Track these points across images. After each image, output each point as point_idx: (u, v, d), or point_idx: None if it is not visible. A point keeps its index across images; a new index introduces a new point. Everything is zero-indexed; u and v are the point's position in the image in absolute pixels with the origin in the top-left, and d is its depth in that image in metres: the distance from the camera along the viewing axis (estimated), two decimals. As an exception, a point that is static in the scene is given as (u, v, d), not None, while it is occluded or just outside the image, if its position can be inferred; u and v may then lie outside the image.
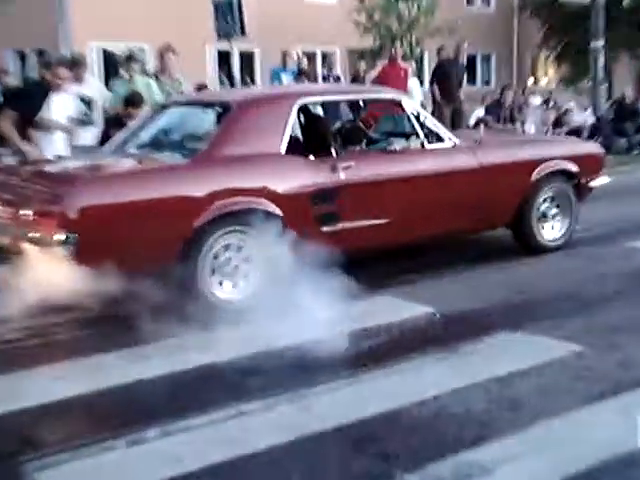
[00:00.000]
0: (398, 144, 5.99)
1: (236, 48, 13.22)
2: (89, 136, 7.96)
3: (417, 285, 5.57)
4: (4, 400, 3.63)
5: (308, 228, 5.19)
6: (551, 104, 15.70)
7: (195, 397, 3.65)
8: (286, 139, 5.35)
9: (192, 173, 5.08)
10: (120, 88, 8.32)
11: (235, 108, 5.47)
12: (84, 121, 7.91)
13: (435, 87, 12.26)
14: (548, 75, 27.91)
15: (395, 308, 5.02)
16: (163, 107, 6.55)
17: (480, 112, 12.74)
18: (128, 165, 5.45)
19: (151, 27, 18.81)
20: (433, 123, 6.14)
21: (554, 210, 6.44)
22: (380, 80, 10.40)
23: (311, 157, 5.46)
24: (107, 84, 9.15)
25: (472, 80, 25.17)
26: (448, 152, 6.04)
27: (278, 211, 5.08)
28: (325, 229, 5.33)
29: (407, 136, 6.14)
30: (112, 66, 17.30)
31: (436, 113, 12.09)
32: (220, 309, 4.78)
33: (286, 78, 11.54)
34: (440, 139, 6.04)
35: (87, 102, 8.04)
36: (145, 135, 6.02)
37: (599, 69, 14.52)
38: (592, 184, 6.68)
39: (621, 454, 2.95)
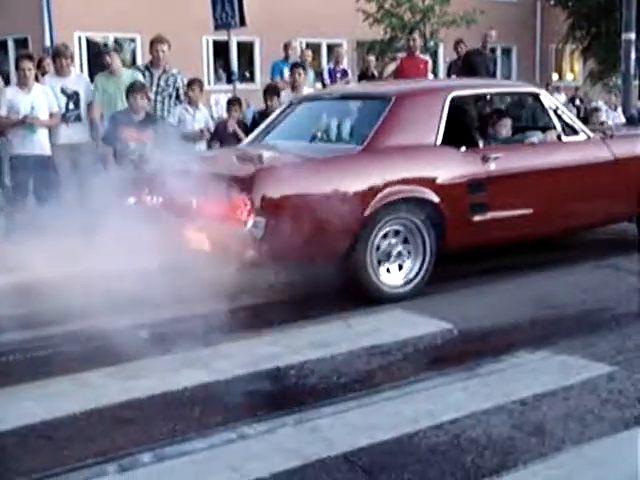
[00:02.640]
0: (536, 137, 6.63)
1: (234, 39, 13.28)
2: (75, 133, 8.00)
3: (431, 298, 5.59)
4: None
5: (462, 217, 5.80)
6: (577, 102, 15.71)
7: (193, 419, 3.66)
8: (441, 130, 5.91)
9: (363, 163, 5.69)
10: (105, 83, 8.37)
11: (394, 100, 5.98)
12: (67, 116, 7.96)
13: None
14: (574, 70, 27.97)
15: (408, 323, 5.05)
16: (309, 99, 7.41)
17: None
18: (306, 154, 6.01)
19: (142, 16, 18.89)
20: (568, 116, 6.73)
21: None
22: (399, 74, 10.39)
23: (462, 148, 5.98)
24: (92, 78, 9.17)
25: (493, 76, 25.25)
26: (584, 145, 6.65)
27: (437, 199, 5.64)
28: (476, 218, 5.91)
29: (543, 129, 6.74)
30: (98, 58, 17.46)
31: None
32: (384, 294, 5.50)
33: (287, 71, 11.56)
34: (575, 132, 6.63)
35: (71, 96, 8.07)
36: (300, 127, 6.71)
37: (631, 64, 14.46)
38: None
39: (657, 484, 2.97)
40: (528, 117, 7.58)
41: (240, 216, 5.10)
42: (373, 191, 5.43)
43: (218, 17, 12.25)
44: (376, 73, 12.02)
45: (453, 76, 12.26)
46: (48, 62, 8.82)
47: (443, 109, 5.98)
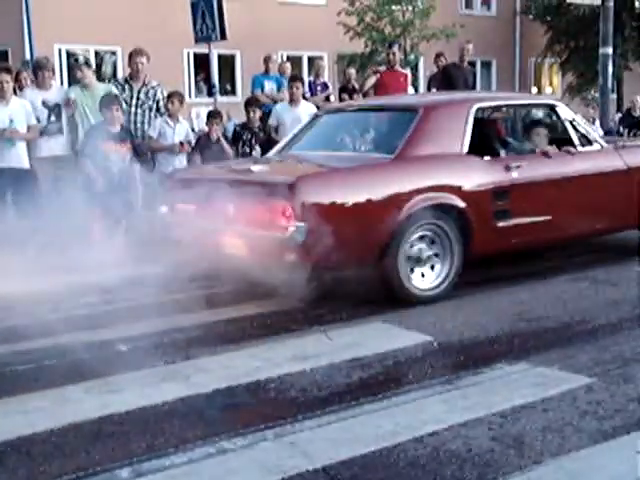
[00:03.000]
0: (553, 147, 6.88)
1: (215, 52, 13.30)
2: (57, 145, 7.98)
3: (412, 311, 5.60)
4: None
5: (487, 223, 6.03)
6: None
7: (171, 433, 3.64)
8: (467, 140, 6.18)
9: (396, 170, 5.93)
10: (79, 95, 8.33)
11: (422, 112, 6.25)
12: (48, 129, 7.94)
13: None
14: (553, 84, 28.21)
15: (389, 336, 5.04)
16: (334, 112, 7.71)
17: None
18: (343, 162, 6.26)
19: (122, 29, 18.91)
20: (583, 127, 7.04)
21: None
22: (380, 88, 10.42)
23: (486, 157, 6.25)
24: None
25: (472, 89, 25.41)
26: (598, 154, 6.93)
27: (463, 205, 5.88)
28: (500, 224, 6.14)
29: (559, 139, 6.97)
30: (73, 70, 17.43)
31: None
32: (415, 297, 5.75)
33: (268, 85, 11.59)
34: (589, 142, 6.91)
35: (53, 109, 8.06)
36: (326, 138, 7.04)
37: (608, 77, 14.62)
38: None
39: (634, 496, 2.98)
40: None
41: (281, 222, 5.33)
42: (405, 198, 5.67)
43: (199, 30, 12.26)
44: (357, 86, 12.04)
45: (433, 89, 12.32)
46: (25, 75, 8.79)
47: (468, 120, 6.25)
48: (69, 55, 19.22)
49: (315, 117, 7.49)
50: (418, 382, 4.20)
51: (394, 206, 5.61)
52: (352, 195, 5.59)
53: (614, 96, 16.72)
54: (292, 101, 9.11)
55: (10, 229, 7.91)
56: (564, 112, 6.98)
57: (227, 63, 21.03)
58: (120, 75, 16.78)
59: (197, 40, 12.41)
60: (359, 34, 19.93)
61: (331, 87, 12.64)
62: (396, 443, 3.45)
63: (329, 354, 4.69)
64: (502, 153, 6.53)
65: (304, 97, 10.01)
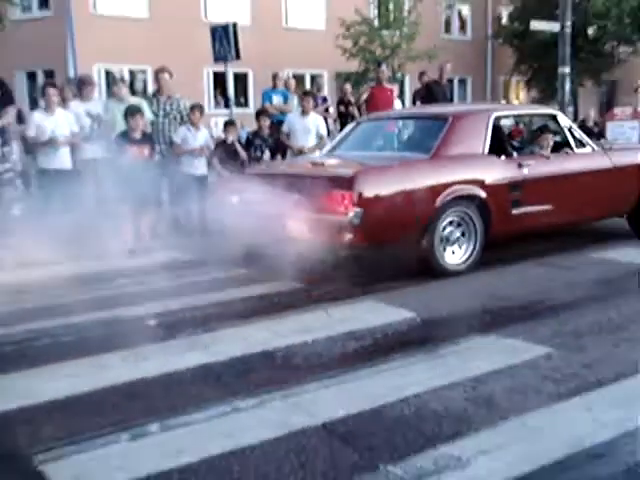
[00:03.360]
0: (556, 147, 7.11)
1: (231, 70, 13.27)
2: (97, 149, 7.98)
3: (398, 292, 5.58)
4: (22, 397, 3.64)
5: (503, 210, 6.29)
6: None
7: (193, 394, 3.65)
8: (488, 143, 6.42)
9: (433, 167, 6.17)
10: (114, 108, 8.33)
11: (451, 120, 6.49)
12: (90, 136, 7.94)
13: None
14: (519, 98, 28.13)
15: (379, 313, 5.03)
16: (372, 120, 7.87)
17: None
18: (387, 160, 6.49)
19: (152, 51, 18.83)
20: (579, 133, 7.29)
21: None
22: (371, 101, 10.41)
23: (502, 157, 6.47)
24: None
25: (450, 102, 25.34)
26: (591, 155, 7.17)
27: (485, 196, 6.12)
28: (514, 212, 6.40)
29: (559, 143, 7.20)
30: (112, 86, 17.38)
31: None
32: (448, 271, 5.99)
33: (276, 98, 11.57)
34: (583, 145, 7.16)
35: (95, 118, 8.07)
36: (367, 141, 7.24)
37: (565, 93, 14.64)
38: None
39: (585, 448, 2.98)
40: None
41: (342, 208, 5.58)
42: (439, 189, 5.92)
43: (217, 51, 12.27)
44: (352, 99, 12.01)
45: (417, 102, 12.28)
46: (67, 90, 8.77)
47: (488, 126, 6.50)
48: (107, 73, 19.14)
49: (356, 125, 7.69)
50: (404, 351, 4.20)
51: (431, 196, 5.87)
52: (398, 187, 5.84)
53: (571, 109, 16.63)
54: (303, 112, 9.09)
55: (56, 221, 7.93)
56: (563, 120, 7.29)
57: (241, 80, 20.94)
58: (150, 90, 16.72)
59: (216, 60, 12.41)
60: (354, 55, 19.85)
61: (330, 100, 12.61)
62: (385, 403, 3.46)
63: (328, 328, 4.69)
64: (515, 154, 6.71)
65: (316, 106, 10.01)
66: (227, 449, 3.04)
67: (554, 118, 7.36)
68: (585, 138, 7.31)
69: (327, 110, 11.91)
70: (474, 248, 6.17)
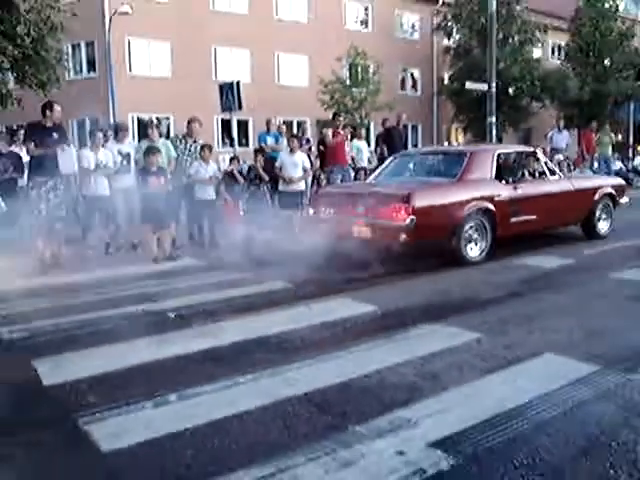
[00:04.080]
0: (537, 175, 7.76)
1: (235, 118, 13.26)
2: (126, 180, 7.92)
3: (364, 290, 5.57)
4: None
5: (505, 219, 6.83)
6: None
7: (202, 372, 3.62)
8: (494, 171, 7.00)
9: (458, 188, 6.72)
10: (143, 145, 8.29)
11: (469, 155, 7.09)
12: (121, 170, 7.90)
13: (384, 147, 12.25)
14: (458, 140, 28.36)
15: (349, 307, 5.02)
16: (405, 155, 8.52)
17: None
18: (426, 183, 6.95)
19: (174, 102, 18.84)
20: (550, 166, 7.99)
21: (604, 214, 8.20)
22: (334, 144, 10.37)
23: (503, 181, 7.07)
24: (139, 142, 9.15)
25: (404, 144, 25.48)
26: (559, 181, 7.78)
27: (493, 209, 6.72)
28: (512, 220, 6.94)
29: (533, 171, 7.82)
30: (142, 129, 17.34)
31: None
32: (469, 262, 6.53)
33: (270, 140, 11.54)
34: (553, 173, 7.79)
35: (125, 156, 8.01)
36: (404, 170, 7.74)
37: (493, 137, 14.78)
38: (620, 201, 8.43)
39: (506, 410, 3.00)
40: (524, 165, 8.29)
41: (401, 216, 6.17)
42: (464, 203, 6.54)
43: (224, 103, 12.27)
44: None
45: (381, 143, 12.29)
46: (108, 134, 8.71)
47: (493, 159, 7.08)
48: (139, 120, 19.05)
49: (394, 158, 8.23)
50: (367, 337, 4.19)
51: (459, 208, 6.48)
52: (437, 201, 6.53)
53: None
54: (291, 150, 9.08)
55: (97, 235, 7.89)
56: (540, 156, 7.96)
57: (243, 125, 20.94)
58: (172, 133, 16.66)
59: (223, 110, 12.42)
60: (330, 106, 19.92)
61: (312, 140, 12.61)
62: (353, 377, 3.46)
63: (309, 318, 4.68)
64: (510, 179, 7.22)
65: (301, 146, 9.99)
66: (229, 414, 3.03)
67: (534, 154, 7.94)
68: (556, 169, 8.06)
69: (310, 149, 11.91)
70: (486, 246, 6.71)
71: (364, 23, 25.54)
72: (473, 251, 6.63)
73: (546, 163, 7.80)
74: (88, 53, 20.09)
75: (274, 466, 2.55)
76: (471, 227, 6.58)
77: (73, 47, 18.90)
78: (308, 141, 12.24)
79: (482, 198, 6.70)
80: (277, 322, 4.59)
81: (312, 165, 10.59)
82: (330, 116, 11.13)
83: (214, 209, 8.33)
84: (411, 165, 7.82)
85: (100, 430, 2.90)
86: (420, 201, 6.26)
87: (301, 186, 9.00)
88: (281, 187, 8.89)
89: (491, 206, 6.70)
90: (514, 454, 2.61)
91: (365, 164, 12.02)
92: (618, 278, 5.81)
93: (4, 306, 5.17)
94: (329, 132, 10.44)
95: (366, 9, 25.43)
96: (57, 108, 6.76)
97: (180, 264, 7.04)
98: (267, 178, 9.03)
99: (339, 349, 3.94)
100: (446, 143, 26.92)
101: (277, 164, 9.10)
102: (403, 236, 6.15)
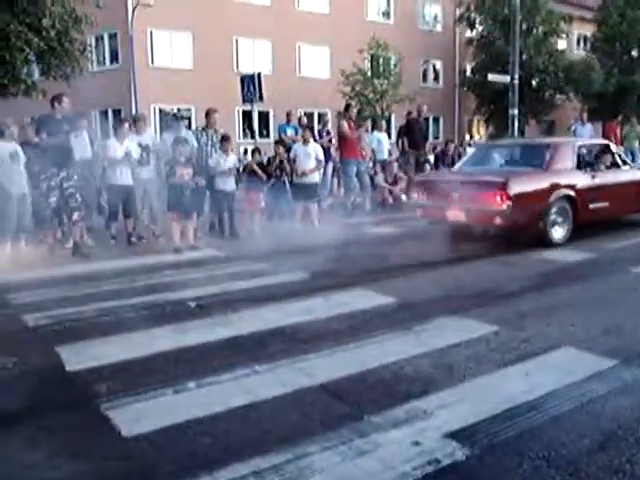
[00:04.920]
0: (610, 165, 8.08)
1: (256, 109, 13.30)
2: (145, 171, 7.99)
3: (382, 283, 5.57)
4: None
5: (585, 205, 7.30)
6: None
7: (221, 360, 3.66)
8: (575, 161, 7.51)
9: (545, 176, 7.27)
10: (167, 136, 8.38)
11: (553, 146, 7.70)
12: (140, 161, 7.95)
13: (405, 139, 12.19)
14: (480, 133, 28.07)
15: (366, 298, 5.02)
16: (492, 146, 9.25)
17: (431, 158, 12.81)
18: (519, 172, 7.37)
19: (195, 94, 18.92)
20: (622, 157, 8.40)
21: None
22: (350, 136, 10.24)
23: (583, 171, 7.51)
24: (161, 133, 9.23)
25: (426, 136, 25.32)
26: (629, 171, 8.23)
27: (575, 196, 7.23)
28: (591, 206, 7.38)
29: (610, 163, 8.11)
30: (164, 120, 17.49)
31: (403, 159, 12.08)
32: (555, 243, 7.10)
33: (289, 131, 11.56)
34: (625, 164, 8.28)
35: (145, 148, 8.06)
36: (489, 160, 8.26)
37: (515, 129, 14.63)
38: None
39: (521, 403, 3.00)
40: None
41: (499, 201, 6.75)
42: (552, 190, 7.10)
43: (245, 95, 12.30)
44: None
45: (404, 137, 12.18)
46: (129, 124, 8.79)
47: (574, 151, 7.58)
48: (161, 111, 19.19)
49: (477, 148, 9.07)
50: (385, 328, 4.20)
51: (547, 195, 7.05)
52: (529, 188, 7.06)
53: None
54: (305, 141, 9.09)
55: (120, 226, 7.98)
56: (613, 148, 8.35)
57: (264, 116, 20.98)
58: (193, 125, 16.77)
59: (244, 101, 12.45)
60: (351, 98, 19.82)
61: (332, 132, 12.60)
62: (370, 368, 3.47)
63: (327, 310, 4.70)
64: (588, 169, 7.60)
65: (314, 139, 9.96)
66: (247, 402, 3.07)
67: (607, 146, 8.32)
68: (627, 160, 8.50)
69: (330, 141, 11.92)
70: (568, 229, 7.22)
71: (386, 14, 25.33)
72: (557, 233, 7.18)
73: (619, 155, 8.26)
74: (111, 45, 20.26)
75: (290, 453, 2.58)
76: (556, 212, 7.13)
77: (96, 39, 19.05)
78: (328, 133, 12.24)
79: (566, 186, 7.23)
80: (295, 313, 4.62)
81: (331, 157, 10.58)
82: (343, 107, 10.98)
83: (233, 200, 8.39)
84: (495, 156, 8.36)
85: (121, 415, 2.96)
86: (515, 188, 6.84)
87: (315, 178, 9.01)
88: (295, 179, 8.90)
89: (573, 193, 7.24)
90: (529, 447, 2.62)
91: (385, 156, 11.99)
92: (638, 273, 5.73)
93: (28, 294, 5.28)
94: (345, 124, 10.37)
95: (388, 0, 25.23)
96: (65, 100, 6.90)
97: (201, 254, 7.11)
98: (289, 169, 9.05)
99: (356, 340, 3.95)
100: (467, 136, 26.71)
101: (291, 155, 9.12)
102: (499, 219, 6.84)
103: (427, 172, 10.89)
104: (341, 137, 10.58)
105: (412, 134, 12.09)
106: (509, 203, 6.69)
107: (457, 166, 8.78)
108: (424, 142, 12.47)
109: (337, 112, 20.97)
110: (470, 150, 8.92)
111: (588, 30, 27.79)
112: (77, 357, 3.75)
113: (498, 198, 6.71)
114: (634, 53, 25.52)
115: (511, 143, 9.22)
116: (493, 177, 7.28)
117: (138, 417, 2.95)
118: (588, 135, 14.93)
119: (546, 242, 7.04)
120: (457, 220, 7.28)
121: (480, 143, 9.53)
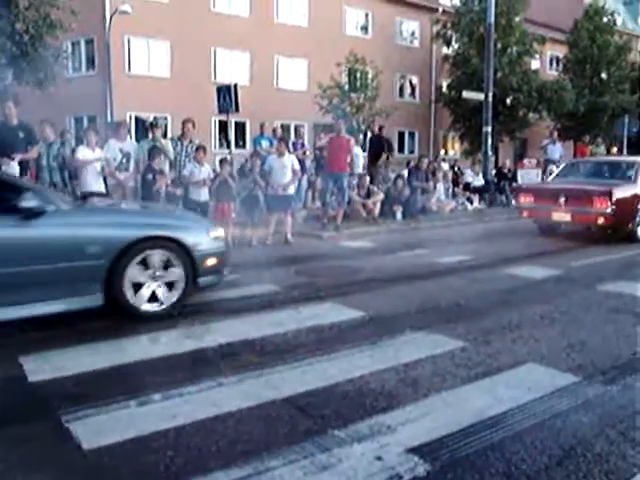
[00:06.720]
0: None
1: (232, 120, 13.29)
2: (125, 177, 7.95)
3: (353, 296, 5.59)
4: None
5: (625, 212, 8.86)
6: (455, 169, 15.99)
7: (189, 371, 3.65)
8: None
9: (636, 187, 9.09)
10: (145, 145, 8.36)
11: (638, 163, 9.44)
12: (119, 168, 7.92)
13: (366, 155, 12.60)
14: (454, 148, 28.46)
15: (337, 312, 5.04)
16: (583, 162, 11.32)
17: (404, 173, 12.93)
18: (616, 184, 9.10)
19: (171, 103, 18.84)
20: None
21: None
22: (331, 148, 10.14)
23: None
24: (137, 141, 9.18)
25: (402, 150, 25.55)
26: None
27: None
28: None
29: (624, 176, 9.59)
30: (139, 129, 17.37)
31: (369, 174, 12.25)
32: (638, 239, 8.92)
33: (265, 143, 11.58)
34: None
35: (125, 155, 8.03)
36: (583, 173, 10.06)
37: (488, 146, 14.87)
38: None
39: (484, 418, 3.04)
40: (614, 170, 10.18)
41: (604, 206, 8.65)
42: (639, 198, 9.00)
43: (221, 105, 12.29)
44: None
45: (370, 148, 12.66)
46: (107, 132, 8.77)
47: None
48: (137, 119, 19.05)
49: (572, 164, 10.86)
50: (353, 342, 4.21)
51: (636, 201, 8.91)
52: (626, 195, 8.86)
53: (493, 158, 16.88)
54: (280, 154, 9.11)
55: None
56: (630, 160, 9.98)
57: (240, 127, 20.98)
58: (169, 133, 16.68)
59: (220, 111, 12.43)
60: (328, 111, 19.97)
61: (307, 145, 12.64)
62: (336, 382, 3.48)
63: (297, 322, 4.70)
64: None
65: (288, 151, 9.98)
66: (212, 414, 3.05)
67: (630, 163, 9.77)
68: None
69: (305, 153, 11.97)
70: None
71: (364, 29, 25.62)
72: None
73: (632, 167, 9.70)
74: (87, 51, 20.07)
75: (253, 467, 2.58)
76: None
77: (73, 45, 18.89)
78: (303, 145, 12.29)
79: None
80: (265, 325, 4.61)
81: (306, 169, 10.61)
82: (329, 121, 11.14)
83: (207, 211, 8.35)
84: (586, 170, 10.09)
85: (82, 427, 2.92)
86: (617, 195, 8.68)
87: (290, 190, 9.02)
88: (270, 191, 8.89)
89: None
90: (490, 462, 2.65)
91: (360, 170, 12.08)
92: (604, 290, 5.86)
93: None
94: (324, 137, 10.45)
95: (366, 15, 25.52)
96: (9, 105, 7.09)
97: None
98: (263, 184, 9.03)
99: (324, 353, 3.96)
100: (442, 151, 27.06)
101: (265, 167, 9.11)
102: (602, 220, 8.65)
103: (399, 187, 11.52)
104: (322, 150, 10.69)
105: (371, 149, 12.58)
106: (613, 207, 8.56)
107: (552, 177, 10.74)
108: (378, 157, 12.68)
109: (314, 124, 21.22)
110: (565, 164, 10.93)
111: (561, 51, 28.51)
112: (40, 367, 3.68)
113: (605, 203, 8.58)
114: (604, 75, 26.26)
115: (604, 161, 11.04)
116: (598, 187, 9.02)
117: (100, 429, 2.91)
118: (559, 153, 15.29)
119: (633, 239, 8.78)
120: (561, 220, 9.17)
121: (571, 160, 12.34)
